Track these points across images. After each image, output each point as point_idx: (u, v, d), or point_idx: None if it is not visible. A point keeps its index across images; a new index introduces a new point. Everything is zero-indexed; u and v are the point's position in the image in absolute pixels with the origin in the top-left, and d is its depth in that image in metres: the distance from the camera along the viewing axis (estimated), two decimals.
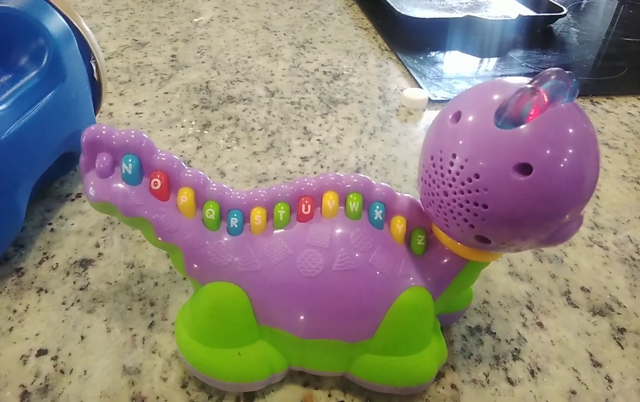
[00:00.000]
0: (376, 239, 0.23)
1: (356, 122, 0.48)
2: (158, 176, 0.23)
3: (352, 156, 0.44)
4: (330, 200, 0.23)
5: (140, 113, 0.47)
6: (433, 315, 0.25)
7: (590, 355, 0.28)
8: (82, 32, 0.35)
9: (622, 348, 0.29)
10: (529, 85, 0.18)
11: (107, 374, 0.26)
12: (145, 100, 0.49)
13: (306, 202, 0.24)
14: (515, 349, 0.28)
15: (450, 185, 0.20)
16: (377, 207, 0.24)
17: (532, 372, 0.27)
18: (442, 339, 0.26)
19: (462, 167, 0.19)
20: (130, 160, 0.22)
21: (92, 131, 0.22)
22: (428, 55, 0.62)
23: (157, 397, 0.25)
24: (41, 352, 0.26)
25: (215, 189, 0.24)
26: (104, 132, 0.22)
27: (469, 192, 0.19)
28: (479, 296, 0.31)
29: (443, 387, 0.26)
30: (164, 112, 0.48)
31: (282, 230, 0.24)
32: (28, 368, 0.26)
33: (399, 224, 0.24)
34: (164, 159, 0.23)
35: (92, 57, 0.37)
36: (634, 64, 0.64)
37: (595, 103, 0.55)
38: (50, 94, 0.31)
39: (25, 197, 0.31)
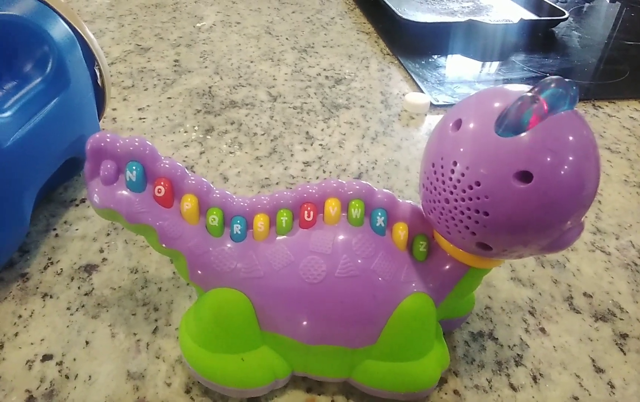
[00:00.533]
0: (378, 246, 0.23)
1: (358, 126, 0.49)
2: (162, 183, 0.23)
3: (354, 161, 0.44)
4: (332, 206, 0.24)
5: (144, 118, 0.47)
6: (435, 321, 0.25)
7: (593, 361, 0.28)
8: (86, 39, 0.35)
9: (625, 354, 0.29)
10: (529, 94, 0.19)
11: (112, 379, 0.26)
12: (148, 106, 0.49)
13: (308, 208, 0.24)
14: (518, 354, 0.28)
15: (452, 193, 0.20)
16: (379, 213, 0.24)
17: (534, 378, 0.27)
18: (445, 344, 0.26)
19: (463, 174, 0.19)
20: (134, 167, 0.22)
21: (97, 139, 0.22)
22: (430, 60, 0.62)
23: None
24: (46, 358, 0.27)
25: (218, 195, 0.24)
26: (108, 139, 0.23)
27: (470, 199, 0.19)
28: (482, 301, 0.32)
29: (445, 393, 0.26)
30: (167, 117, 0.48)
31: (285, 236, 0.24)
32: (33, 373, 0.26)
33: (401, 231, 0.24)
34: (167, 166, 0.23)
35: (96, 63, 0.37)
36: (636, 68, 0.64)
37: (597, 107, 0.55)
38: (54, 100, 0.32)
39: (31, 203, 0.31)
